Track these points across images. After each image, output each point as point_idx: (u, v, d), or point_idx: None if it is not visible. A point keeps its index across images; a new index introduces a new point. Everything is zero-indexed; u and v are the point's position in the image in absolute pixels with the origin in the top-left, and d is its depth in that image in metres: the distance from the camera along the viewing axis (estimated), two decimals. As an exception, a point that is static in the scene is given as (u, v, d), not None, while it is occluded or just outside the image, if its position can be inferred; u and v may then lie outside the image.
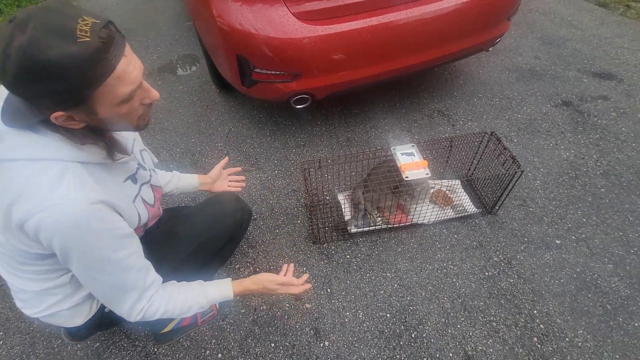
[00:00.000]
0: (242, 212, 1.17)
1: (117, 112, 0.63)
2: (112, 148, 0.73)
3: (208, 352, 1.22)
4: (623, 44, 2.56)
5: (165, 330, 1.20)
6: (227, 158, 1.32)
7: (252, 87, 1.64)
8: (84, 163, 0.67)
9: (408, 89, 2.25)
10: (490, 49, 1.98)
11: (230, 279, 0.99)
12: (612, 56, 2.43)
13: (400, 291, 1.33)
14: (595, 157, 1.77)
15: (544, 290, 1.30)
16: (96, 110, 0.61)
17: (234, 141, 1.96)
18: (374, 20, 1.46)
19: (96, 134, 0.69)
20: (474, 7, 1.61)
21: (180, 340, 1.24)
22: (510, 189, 1.41)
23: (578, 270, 1.35)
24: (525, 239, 1.46)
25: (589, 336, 1.18)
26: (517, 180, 1.36)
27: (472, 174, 1.63)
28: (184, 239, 1.04)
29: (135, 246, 0.78)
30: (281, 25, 1.39)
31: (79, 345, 1.23)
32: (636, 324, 1.20)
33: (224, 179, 1.32)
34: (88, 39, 0.53)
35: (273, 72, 1.51)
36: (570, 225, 1.49)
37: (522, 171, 1.34)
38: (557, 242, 1.44)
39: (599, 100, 2.09)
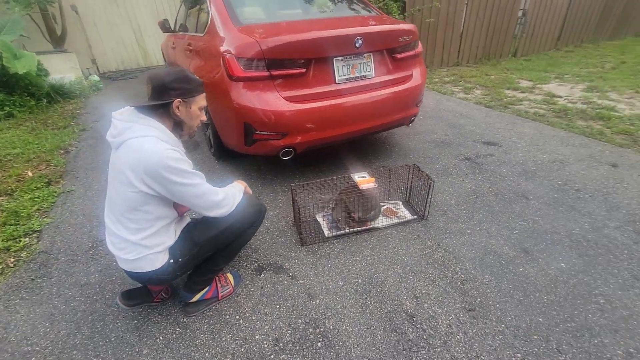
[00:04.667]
0: (259, 205, 1.72)
1: (195, 113, 1.36)
2: (179, 138, 1.41)
3: (227, 316, 1.60)
4: (500, 126, 3.76)
5: (194, 299, 1.60)
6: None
7: (252, 145, 2.37)
8: (166, 142, 1.29)
9: (362, 154, 3.12)
10: (410, 125, 2.96)
11: (237, 181, 1.69)
12: (494, 133, 3.57)
13: (367, 266, 1.85)
14: (487, 186, 2.60)
15: (463, 257, 1.90)
16: (191, 106, 1.33)
17: (233, 190, 2.58)
18: (330, 102, 2.34)
19: (176, 128, 1.37)
20: (394, 97, 2.59)
21: (205, 311, 1.62)
22: (430, 198, 2.13)
23: (482, 245, 1.99)
24: (447, 231, 2.11)
25: (492, 278, 1.75)
26: (432, 189, 2.09)
27: (408, 196, 2.36)
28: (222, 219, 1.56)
29: (200, 175, 1.35)
30: (275, 103, 2.22)
31: (119, 322, 1.56)
32: (520, 269, 1.81)
33: None
34: (200, 79, 1.31)
35: (268, 133, 2.28)
36: (475, 222, 2.19)
37: (434, 181, 2.08)
38: (468, 231, 2.10)
39: (487, 156, 3.07)
